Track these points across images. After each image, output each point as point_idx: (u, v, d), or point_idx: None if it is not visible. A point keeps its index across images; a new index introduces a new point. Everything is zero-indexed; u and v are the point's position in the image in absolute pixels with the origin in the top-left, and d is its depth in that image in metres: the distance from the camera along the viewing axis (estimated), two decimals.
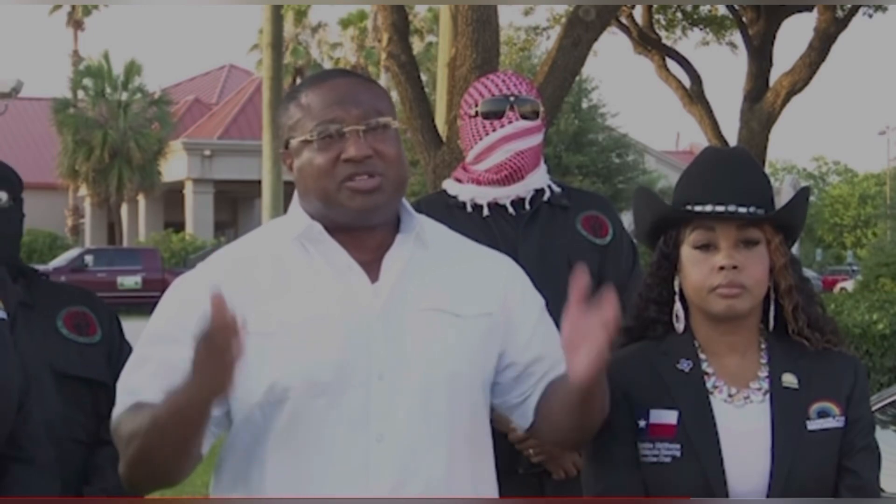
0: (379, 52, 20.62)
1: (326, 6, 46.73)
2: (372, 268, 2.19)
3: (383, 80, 28.11)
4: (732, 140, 14.97)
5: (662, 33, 16.66)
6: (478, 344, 2.22)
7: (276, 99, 21.32)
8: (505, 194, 3.23)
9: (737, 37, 16.29)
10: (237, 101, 41.31)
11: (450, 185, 3.32)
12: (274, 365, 2.11)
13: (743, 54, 15.33)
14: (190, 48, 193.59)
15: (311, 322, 2.13)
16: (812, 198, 5.24)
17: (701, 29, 17.14)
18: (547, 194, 3.26)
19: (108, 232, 40.21)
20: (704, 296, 2.31)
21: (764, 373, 2.35)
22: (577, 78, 12.00)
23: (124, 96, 37.68)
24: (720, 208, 2.31)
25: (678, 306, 2.39)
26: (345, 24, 40.96)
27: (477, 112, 3.25)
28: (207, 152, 38.10)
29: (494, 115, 3.23)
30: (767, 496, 2.27)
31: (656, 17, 16.40)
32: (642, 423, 2.31)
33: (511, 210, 3.23)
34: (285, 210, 2.33)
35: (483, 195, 3.24)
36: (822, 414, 2.32)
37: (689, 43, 40.17)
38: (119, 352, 3.03)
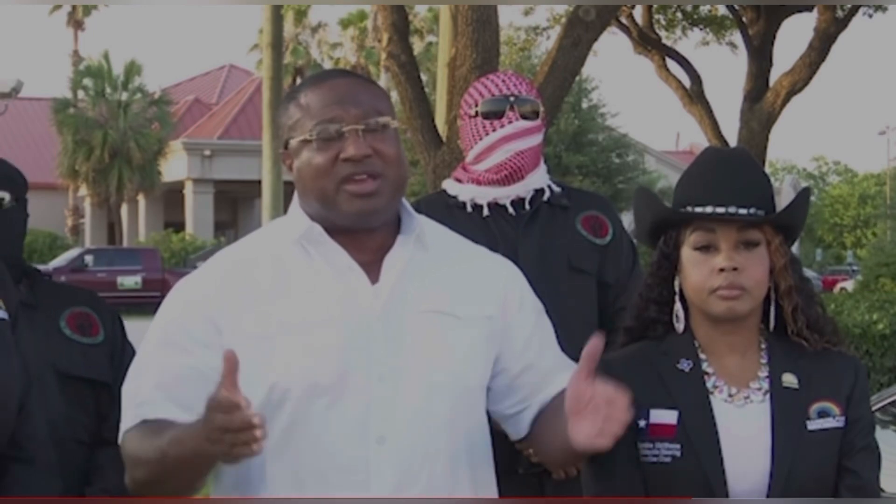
0: (379, 52, 20.64)
1: (326, 6, 46.74)
2: (372, 269, 2.18)
3: (383, 80, 28.12)
4: (732, 140, 14.95)
5: (662, 33, 16.64)
6: (477, 346, 2.22)
7: (276, 99, 21.30)
8: (505, 194, 3.23)
9: (737, 37, 16.27)
10: (237, 101, 41.28)
11: (450, 185, 3.32)
12: (274, 366, 2.11)
13: (743, 54, 15.31)
14: (190, 48, 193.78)
15: (311, 323, 2.13)
16: (812, 198, 5.23)
17: (701, 29, 17.12)
18: (547, 194, 3.26)
19: (108, 232, 40.19)
20: (705, 297, 2.31)
21: (764, 373, 2.35)
22: (577, 78, 11.98)
23: (124, 96, 37.65)
24: (720, 210, 2.31)
25: (678, 306, 2.38)
26: (345, 24, 40.92)
27: (477, 112, 3.25)
28: (207, 152, 38.06)
29: (494, 115, 3.23)
30: (767, 496, 2.27)
31: (656, 17, 16.38)
32: (642, 423, 2.30)
33: (511, 210, 3.23)
34: (285, 210, 2.33)
35: (483, 195, 3.24)
36: (823, 414, 2.32)
37: (689, 43, 40.16)
38: (122, 352, 3.03)
